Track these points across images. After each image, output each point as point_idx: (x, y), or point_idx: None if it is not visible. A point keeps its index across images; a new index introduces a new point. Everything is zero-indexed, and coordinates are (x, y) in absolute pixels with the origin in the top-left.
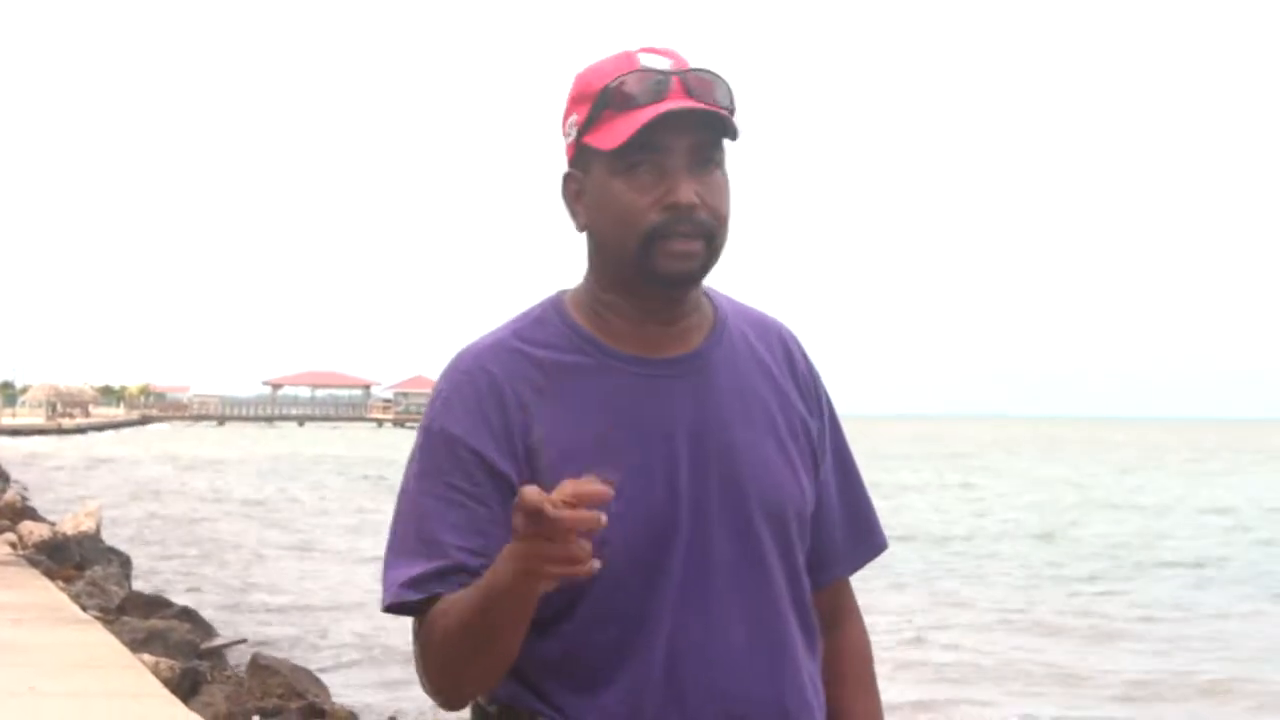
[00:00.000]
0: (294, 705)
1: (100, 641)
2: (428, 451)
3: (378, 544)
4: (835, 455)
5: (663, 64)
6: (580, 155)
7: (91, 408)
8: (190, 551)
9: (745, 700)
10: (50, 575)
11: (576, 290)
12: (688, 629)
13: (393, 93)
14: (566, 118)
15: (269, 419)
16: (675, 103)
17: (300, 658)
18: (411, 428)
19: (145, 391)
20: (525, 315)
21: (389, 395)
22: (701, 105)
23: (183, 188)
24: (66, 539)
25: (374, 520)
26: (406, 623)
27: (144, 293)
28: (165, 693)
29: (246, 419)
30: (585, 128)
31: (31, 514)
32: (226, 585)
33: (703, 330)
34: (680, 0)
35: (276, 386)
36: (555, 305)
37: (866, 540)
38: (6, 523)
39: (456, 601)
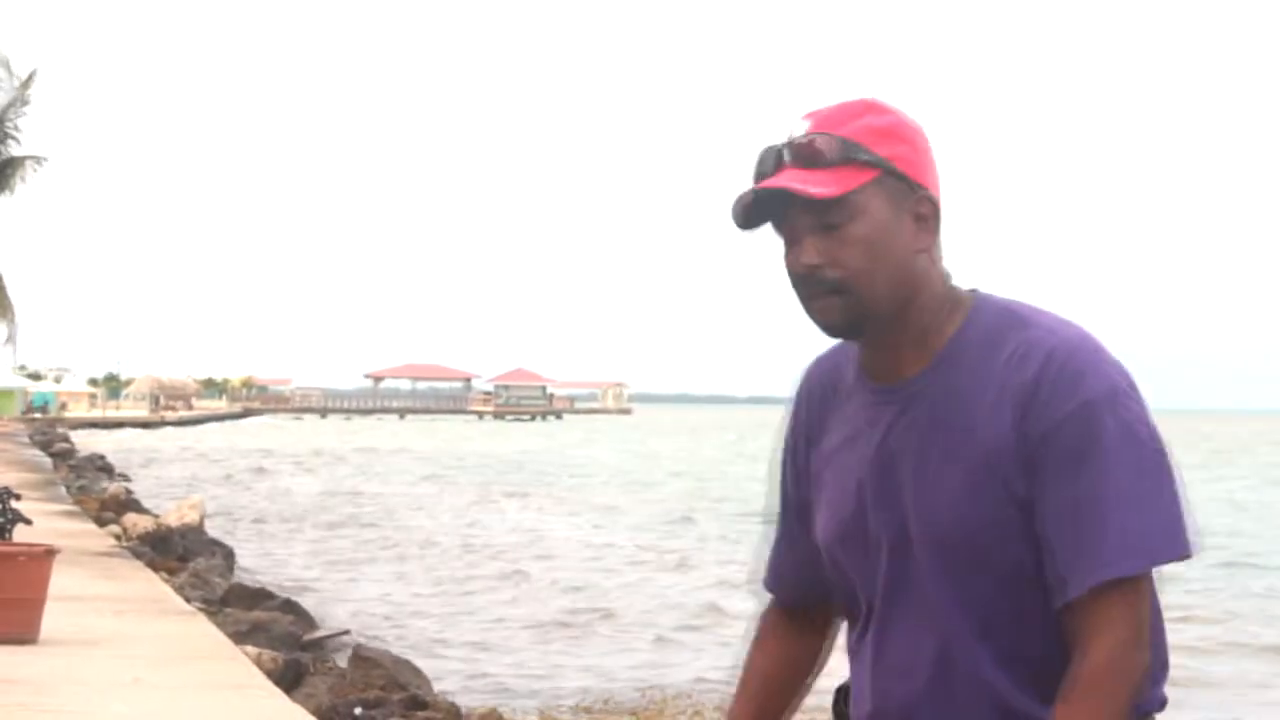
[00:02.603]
0: (396, 697)
1: (203, 633)
2: (778, 451)
3: (476, 541)
4: (1067, 478)
5: (798, 128)
6: None
7: (194, 400)
8: (295, 544)
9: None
10: (154, 567)
11: None
12: (878, 643)
13: (501, 88)
14: None
15: (370, 411)
16: (771, 183)
17: (402, 649)
18: (511, 419)
19: (248, 384)
20: None
21: (489, 388)
22: (787, 186)
23: (290, 182)
24: (170, 531)
25: (476, 517)
26: (509, 612)
27: (247, 285)
28: (268, 684)
29: (348, 411)
30: None
31: (135, 506)
32: (330, 577)
33: (925, 360)
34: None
35: (378, 379)
36: None
37: (1086, 565)
38: (111, 515)
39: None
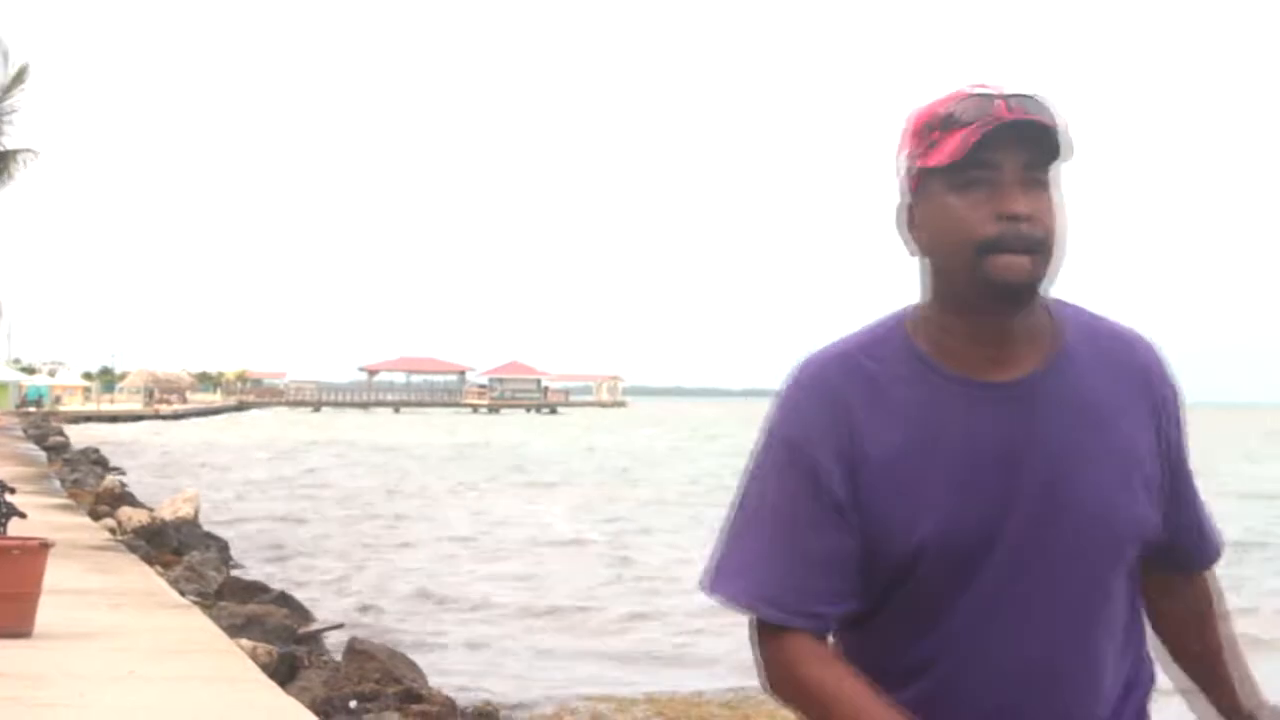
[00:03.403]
0: (391, 690)
1: (198, 626)
2: (771, 457)
3: (475, 533)
4: (1182, 469)
5: (989, 93)
6: (919, 183)
7: (189, 393)
8: (290, 538)
9: (1016, 709)
10: (149, 560)
11: (915, 311)
12: (986, 642)
13: (495, 81)
14: (900, 153)
15: (365, 405)
16: (1003, 117)
17: (397, 643)
18: (506, 414)
19: (242, 377)
20: (869, 330)
21: (484, 381)
22: (1028, 117)
23: (285, 175)
24: (165, 524)
25: (479, 514)
26: (500, 607)
27: (242, 279)
28: (263, 677)
29: (343, 404)
30: (919, 154)
31: (130, 500)
32: (325, 570)
33: (1036, 358)
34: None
35: (372, 372)
36: (898, 323)
37: (1206, 548)
38: (106, 508)
39: (814, 674)
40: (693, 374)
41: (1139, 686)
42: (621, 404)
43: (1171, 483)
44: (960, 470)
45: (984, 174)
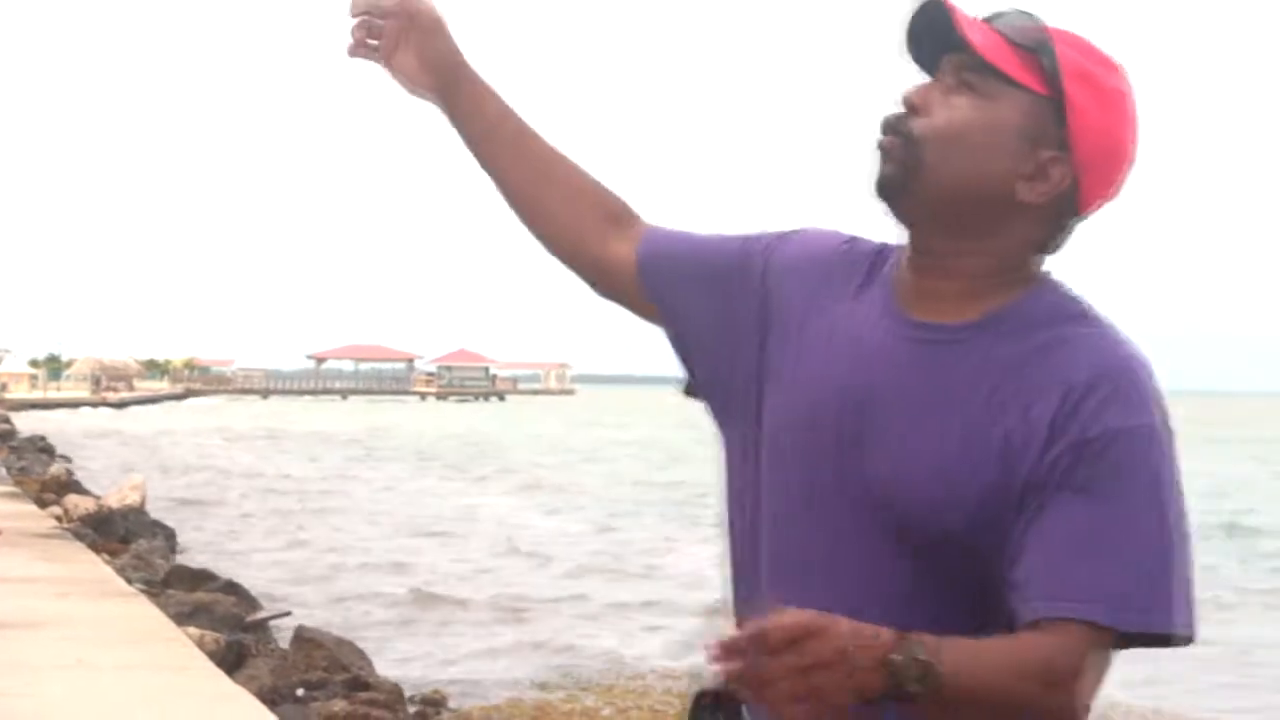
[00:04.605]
0: (338, 678)
1: (145, 614)
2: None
3: (419, 521)
4: (1093, 494)
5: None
6: None
7: (136, 381)
8: (234, 524)
9: None
10: (96, 549)
11: None
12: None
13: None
14: None
15: (313, 393)
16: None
17: (344, 630)
18: (457, 401)
19: (190, 365)
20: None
21: (432, 369)
22: (950, 9)
23: (228, 162)
24: (112, 512)
25: (411, 493)
26: (456, 589)
27: (188, 266)
28: (210, 665)
29: (291, 392)
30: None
31: (77, 488)
32: (272, 558)
33: (970, 313)
34: None
35: (320, 360)
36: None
37: (1071, 592)
38: (52, 496)
39: None
40: (640, 361)
41: None
42: (570, 391)
43: (1037, 518)
44: (835, 370)
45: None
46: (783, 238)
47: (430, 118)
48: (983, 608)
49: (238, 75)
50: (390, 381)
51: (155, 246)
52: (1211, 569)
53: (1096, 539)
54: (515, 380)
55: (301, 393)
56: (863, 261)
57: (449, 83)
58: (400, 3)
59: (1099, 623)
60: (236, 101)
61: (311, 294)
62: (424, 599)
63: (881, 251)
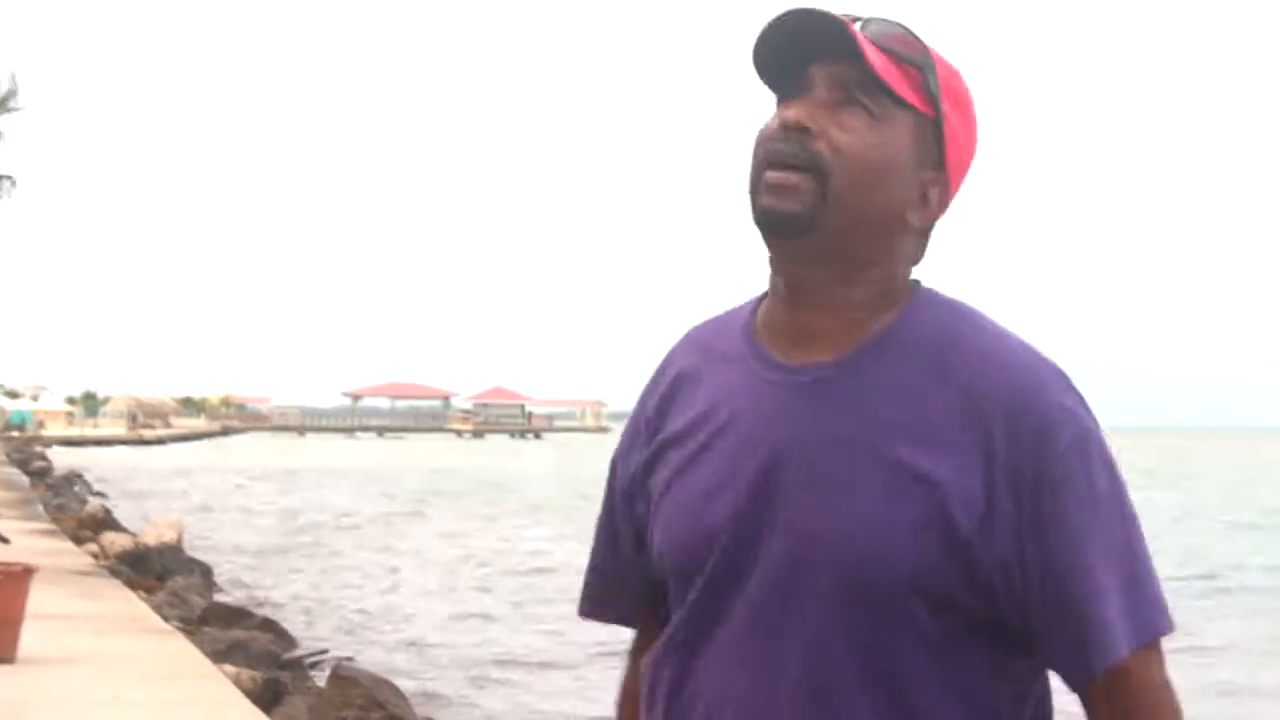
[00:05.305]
0: (375, 716)
1: (182, 652)
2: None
3: (458, 562)
4: (1054, 550)
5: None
6: None
7: (172, 418)
8: (273, 563)
9: None
10: (132, 586)
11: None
12: (699, 660)
13: (477, 105)
14: None
15: (349, 430)
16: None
17: (381, 669)
18: (490, 438)
19: (226, 402)
20: (744, 304)
21: (468, 406)
22: (840, 17)
23: (266, 201)
24: (148, 550)
25: (462, 538)
26: (488, 633)
27: (226, 303)
28: (246, 703)
29: (327, 429)
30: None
31: (113, 525)
32: (310, 597)
33: (844, 343)
34: None
35: (356, 397)
36: (762, 295)
37: (1070, 659)
38: (89, 534)
39: None
40: None
41: None
42: (605, 429)
43: (1026, 560)
44: (724, 462)
45: (791, 85)
46: (653, 385)
47: (468, 155)
48: (941, 661)
49: (277, 115)
50: (426, 419)
51: (192, 284)
52: None
53: (1095, 574)
54: (551, 417)
55: (338, 429)
56: (734, 326)
57: None
58: None
59: (1139, 647)
60: (275, 140)
61: (347, 331)
62: (461, 635)
63: (740, 311)
